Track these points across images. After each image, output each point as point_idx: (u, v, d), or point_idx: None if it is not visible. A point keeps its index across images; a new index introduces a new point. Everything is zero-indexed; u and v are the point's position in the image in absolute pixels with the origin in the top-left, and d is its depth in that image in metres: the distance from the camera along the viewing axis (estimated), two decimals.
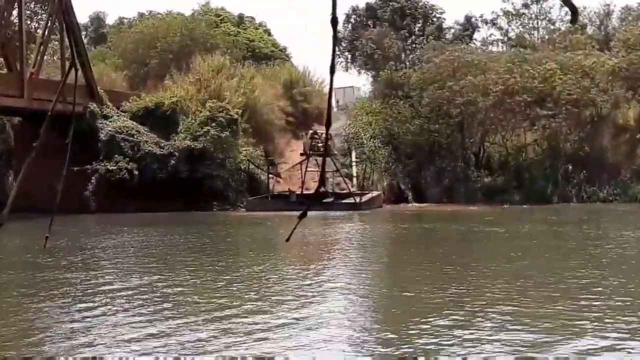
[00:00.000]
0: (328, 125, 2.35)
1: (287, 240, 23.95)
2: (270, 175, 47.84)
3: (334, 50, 2.03)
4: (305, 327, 14.06)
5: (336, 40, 2.05)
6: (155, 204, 41.49)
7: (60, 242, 27.25)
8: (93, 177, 42.26)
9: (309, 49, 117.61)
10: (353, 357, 12.33)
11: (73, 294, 17.51)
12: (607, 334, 12.72)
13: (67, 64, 45.27)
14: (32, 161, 6.91)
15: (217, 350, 12.83)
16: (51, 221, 5.11)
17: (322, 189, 46.33)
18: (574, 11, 1.69)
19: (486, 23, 65.02)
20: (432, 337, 13.24)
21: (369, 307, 16.61)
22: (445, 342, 13.07)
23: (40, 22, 52.18)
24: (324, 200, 42.11)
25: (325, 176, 33.66)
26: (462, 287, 17.56)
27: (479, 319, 14.48)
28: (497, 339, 13.17)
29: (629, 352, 12.18)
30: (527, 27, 65.55)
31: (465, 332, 13.52)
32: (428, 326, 13.71)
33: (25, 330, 14.49)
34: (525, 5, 63.76)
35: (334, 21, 2.06)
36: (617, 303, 15.66)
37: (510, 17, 64.41)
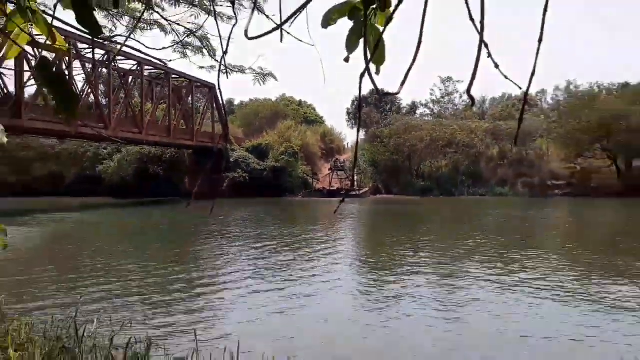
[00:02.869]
0: (356, 158, 2.22)
1: (335, 212, 29.77)
2: (314, 180, 53.74)
3: (359, 125, 2.00)
4: (321, 244, 19.40)
5: (360, 119, 1.96)
6: (256, 194, 48.07)
7: (220, 214, 31.69)
8: (226, 180, 48.97)
9: (337, 115, 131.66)
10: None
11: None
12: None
13: (216, 124, 53.65)
14: (205, 175, 24.07)
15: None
16: (213, 205, 19.69)
17: (340, 187, 51.30)
18: (473, 101, 1.66)
19: (422, 105, 75.20)
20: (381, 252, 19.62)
21: (351, 235, 23.21)
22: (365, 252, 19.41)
23: (202, 101, 56.50)
24: (341, 192, 48.84)
25: (352, 181, 42.43)
26: (396, 232, 23.49)
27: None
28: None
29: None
30: (443, 107, 73.87)
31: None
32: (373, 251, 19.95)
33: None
34: (442, 96, 73.86)
35: (360, 108, 2.13)
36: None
37: (434, 102, 74.76)
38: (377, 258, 16.23)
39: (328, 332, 8.47)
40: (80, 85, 37.45)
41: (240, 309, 9.84)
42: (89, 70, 36.99)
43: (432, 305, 10.12)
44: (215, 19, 2.82)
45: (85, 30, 1.46)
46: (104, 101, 41.54)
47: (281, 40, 1.86)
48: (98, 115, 38.73)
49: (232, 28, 1.95)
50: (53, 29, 1.69)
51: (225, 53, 1.98)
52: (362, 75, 1.47)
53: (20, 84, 29.92)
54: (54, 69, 1.37)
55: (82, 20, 1.44)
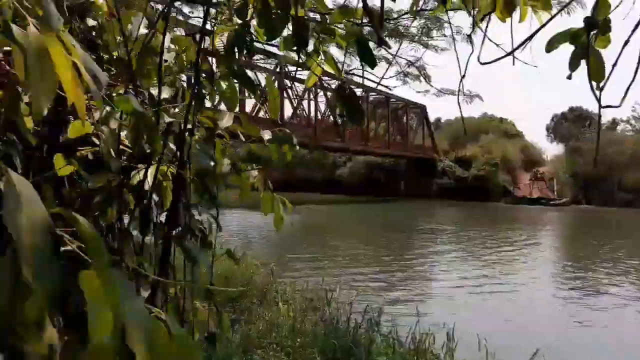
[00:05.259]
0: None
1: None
2: (515, 189, 49.76)
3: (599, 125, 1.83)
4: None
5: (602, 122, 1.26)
6: (460, 199, 44.55)
7: None
8: (434, 185, 48.65)
9: (536, 130, 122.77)
10: None
11: None
12: None
13: (426, 139, 52.26)
14: (417, 180, 20.89)
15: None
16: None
17: (541, 196, 47.04)
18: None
19: (623, 121, 62.41)
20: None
21: None
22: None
23: (414, 119, 53.45)
24: (541, 201, 45.13)
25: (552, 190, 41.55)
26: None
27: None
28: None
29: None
30: None
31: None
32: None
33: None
34: None
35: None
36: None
37: (636, 118, 62.72)
38: (575, 265, 14.23)
39: (529, 321, 7.85)
40: (322, 108, 40.78)
41: (454, 293, 9.61)
42: (329, 96, 39.55)
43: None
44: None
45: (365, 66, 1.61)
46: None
47: (513, 64, 1.86)
48: (335, 132, 41.69)
49: (469, 56, 1.97)
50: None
51: (463, 77, 1.99)
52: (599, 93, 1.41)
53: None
54: (347, 91, 1.55)
55: (364, 56, 1.60)
